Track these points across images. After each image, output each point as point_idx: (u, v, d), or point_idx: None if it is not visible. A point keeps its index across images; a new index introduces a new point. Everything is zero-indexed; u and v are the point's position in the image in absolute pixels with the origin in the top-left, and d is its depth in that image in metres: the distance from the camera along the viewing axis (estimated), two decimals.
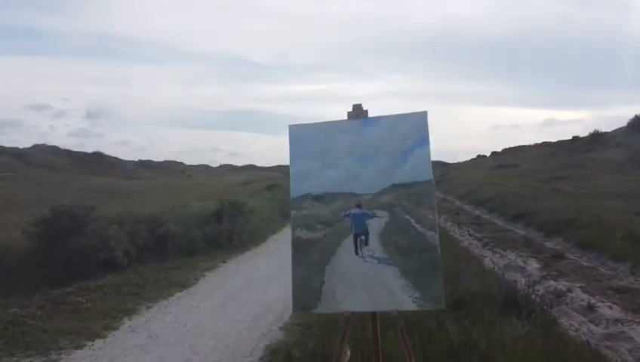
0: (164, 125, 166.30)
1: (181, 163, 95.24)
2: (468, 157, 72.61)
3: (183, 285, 5.71)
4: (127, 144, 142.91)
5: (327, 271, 2.09)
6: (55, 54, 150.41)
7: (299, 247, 2.16)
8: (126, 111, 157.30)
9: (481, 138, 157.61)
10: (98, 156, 58.94)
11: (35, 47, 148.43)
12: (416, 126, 2.15)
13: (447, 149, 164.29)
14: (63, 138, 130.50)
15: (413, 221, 2.07)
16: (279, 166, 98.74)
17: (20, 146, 67.24)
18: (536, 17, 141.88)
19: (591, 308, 4.74)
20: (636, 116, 43.48)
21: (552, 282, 5.71)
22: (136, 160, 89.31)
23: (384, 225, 2.10)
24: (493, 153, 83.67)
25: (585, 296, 5.12)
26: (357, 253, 2.09)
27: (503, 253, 7.63)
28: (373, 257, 2.08)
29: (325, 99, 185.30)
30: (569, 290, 5.37)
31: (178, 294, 5.36)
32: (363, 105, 2.28)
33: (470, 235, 9.45)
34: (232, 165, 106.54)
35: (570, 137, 48.84)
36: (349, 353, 2.08)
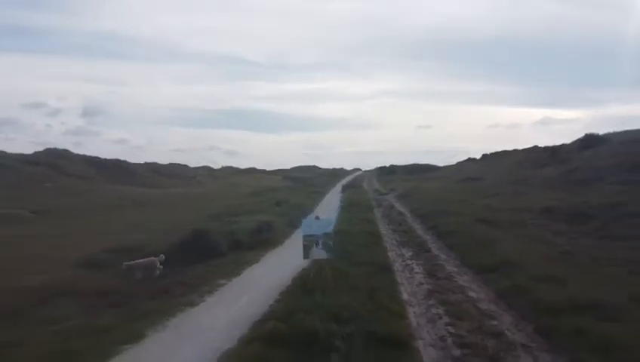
0: (161, 124, 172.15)
1: (185, 165, 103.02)
2: (462, 158, 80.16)
3: (253, 262, 13.90)
4: (125, 142, 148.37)
5: (310, 251, 10.33)
6: (51, 52, 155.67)
7: (304, 246, 10.39)
8: (123, 109, 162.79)
9: (479, 137, 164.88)
10: (116, 163, 67.08)
11: (30, 45, 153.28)
12: (331, 220, 10.42)
13: (444, 148, 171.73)
14: (60, 136, 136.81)
15: (329, 241, 10.31)
16: (279, 170, 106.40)
17: (27, 151, 74.22)
18: (534, 17, 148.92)
19: (411, 270, 12.89)
20: (586, 135, 51.18)
21: (407, 260, 13.90)
22: (142, 162, 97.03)
23: (321, 241, 10.33)
24: (484, 155, 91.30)
25: (415, 266, 13.25)
26: (316, 247, 10.32)
27: (403, 248, 15.83)
28: (319, 249, 10.31)
29: (323, 98, 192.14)
30: (411, 263, 13.52)
31: (254, 265, 13.55)
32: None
33: (395, 240, 17.65)
34: (232, 167, 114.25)
35: (556, 143, 57.16)
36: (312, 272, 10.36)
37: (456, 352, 7.20)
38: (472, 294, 10.53)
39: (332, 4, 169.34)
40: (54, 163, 56.12)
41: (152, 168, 72.37)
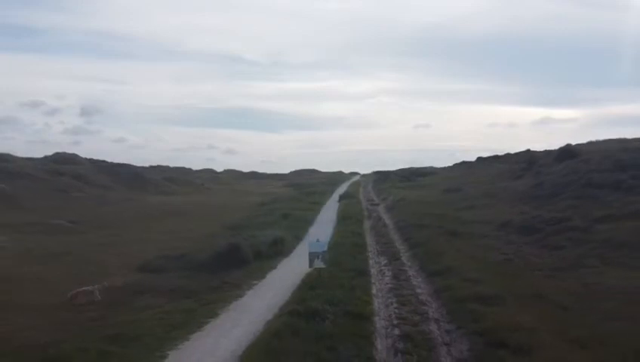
0: (159, 123, 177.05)
1: (189, 169, 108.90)
2: (460, 157, 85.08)
3: (273, 268, 19.80)
4: (123, 141, 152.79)
5: (313, 262, 16.29)
6: (49, 51, 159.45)
7: (310, 259, 16.34)
8: (121, 108, 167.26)
9: (478, 136, 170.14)
10: (129, 170, 72.77)
11: (28, 44, 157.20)
12: (326, 242, 16.44)
13: (443, 148, 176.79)
14: (58, 135, 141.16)
15: (325, 256, 16.26)
16: (279, 174, 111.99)
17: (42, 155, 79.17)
18: (533, 15, 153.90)
19: (383, 274, 18.74)
20: (561, 148, 56.33)
21: (382, 267, 19.80)
22: (147, 165, 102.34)
23: (320, 256, 16.29)
24: (478, 158, 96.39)
25: (386, 271, 19.10)
26: (317, 260, 16.28)
27: (380, 257, 21.69)
28: (319, 261, 16.27)
29: (322, 97, 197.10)
30: (384, 269, 19.38)
31: (274, 271, 19.46)
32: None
33: (376, 250, 23.50)
34: (234, 170, 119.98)
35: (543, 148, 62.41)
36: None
37: (395, 322, 13.09)
38: (418, 290, 16.40)
39: (331, 3, 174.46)
40: (77, 172, 61.81)
41: (164, 175, 77.98)
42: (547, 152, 68.61)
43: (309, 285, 15.78)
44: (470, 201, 39.42)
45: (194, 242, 26.56)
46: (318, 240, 16.41)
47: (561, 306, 15.39)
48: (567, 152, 54.01)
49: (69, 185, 55.79)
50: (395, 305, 14.63)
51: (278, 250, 22.25)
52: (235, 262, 19.69)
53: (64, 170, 60.60)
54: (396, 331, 12.40)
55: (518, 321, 12.52)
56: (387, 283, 17.26)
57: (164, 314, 14.45)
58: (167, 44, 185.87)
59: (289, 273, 18.63)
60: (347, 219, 33.41)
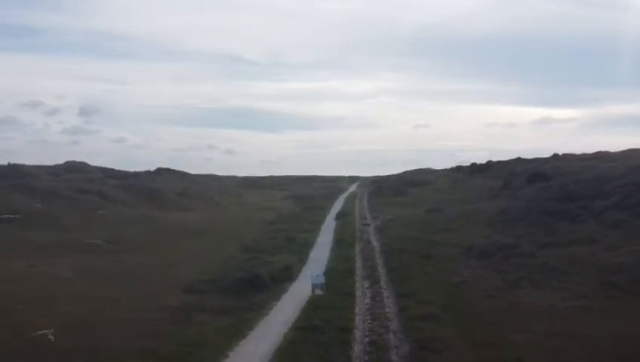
0: (159, 122, 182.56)
1: (193, 175, 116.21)
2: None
3: (285, 291, 27.64)
4: (123, 141, 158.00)
5: (314, 290, 24.27)
6: (49, 51, 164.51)
7: (312, 288, 24.31)
8: (120, 108, 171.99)
9: (477, 135, 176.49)
10: (135, 178, 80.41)
11: (28, 44, 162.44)
12: (322, 275, 24.46)
13: (442, 147, 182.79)
14: (57, 135, 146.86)
15: (323, 287, 24.22)
16: (277, 179, 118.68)
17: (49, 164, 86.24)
18: (533, 15, 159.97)
19: (365, 295, 26.59)
20: (534, 173, 63.87)
21: (365, 289, 27.70)
22: (153, 169, 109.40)
23: (320, 286, 24.27)
24: (472, 165, 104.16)
25: (367, 293, 26.93)
26: (318, 289, 24.24)
27: (364, 281, 29.55)
28: (320, 290, 24.27)
29: (322, 97, 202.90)
30: (366, 291, 27.24)
31: (286, 294, 27.28)
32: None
33: (362, 274, 31.35)
34: (236, 176, 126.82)
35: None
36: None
37: (367, 333, 20.95)
38: (387, 310, 24.24)
39: (331, 3, 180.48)
40: (99, 190, 69.29)
41: (170, 183, 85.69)
42: (533, 163, 76.26)
43: (312, 306, 23.61)
44: (447, 223, 47.19)
45: (219, 265, 34.26)
46: (318, 275, 24.27)
47: (485, 321, 23.06)
48: (537, 176, 61.57)
49: (93, 202, 63.32)
50: (369, 321, 22.50)
51: (287, 275, 30.13)
52: (258, 286, 27.55)
53: (88, 188, 68.19)
54: (367, 339, 20.27)
55: (443, 332, 20.39)
56: (366, 304, 25.12)
57: (217, 327, 22.23)
58: (167, 44, 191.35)
59: (297, 295, 26.45)
60: (341, 241, 41.34)
